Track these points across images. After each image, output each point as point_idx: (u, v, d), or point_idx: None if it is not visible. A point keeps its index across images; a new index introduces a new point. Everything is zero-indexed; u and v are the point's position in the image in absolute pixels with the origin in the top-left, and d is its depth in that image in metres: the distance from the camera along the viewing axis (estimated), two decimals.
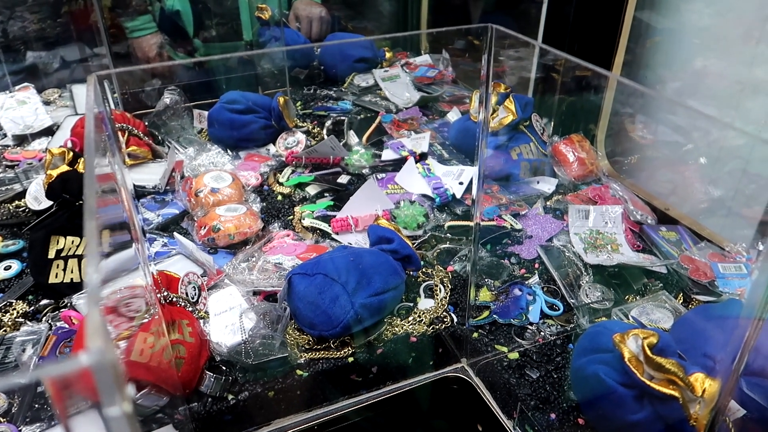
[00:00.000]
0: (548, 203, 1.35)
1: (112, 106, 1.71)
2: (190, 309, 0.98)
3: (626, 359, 0.66)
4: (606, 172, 1.44)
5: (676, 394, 0.63)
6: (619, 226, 1.23)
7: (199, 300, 1.02)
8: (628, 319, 1.02)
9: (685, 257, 1.15)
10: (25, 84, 1.78)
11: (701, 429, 0.62)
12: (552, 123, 1.54)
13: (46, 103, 1.80)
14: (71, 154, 1.15)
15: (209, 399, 0.89)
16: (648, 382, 0.64)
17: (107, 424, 0.27)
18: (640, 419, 0.66)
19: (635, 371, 0.64)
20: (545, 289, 1.11)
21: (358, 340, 0.98)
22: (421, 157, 1.47)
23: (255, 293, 1.04)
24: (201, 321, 0.97)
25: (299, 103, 1.83)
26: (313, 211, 1.31)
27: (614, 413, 0.69)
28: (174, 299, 0.96)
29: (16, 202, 1.32)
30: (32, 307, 1.03)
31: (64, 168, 1.10)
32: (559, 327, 1.03)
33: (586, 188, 1.37)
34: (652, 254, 1.19)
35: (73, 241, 1.08)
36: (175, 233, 1.19)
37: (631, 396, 0.67)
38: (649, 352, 0.64)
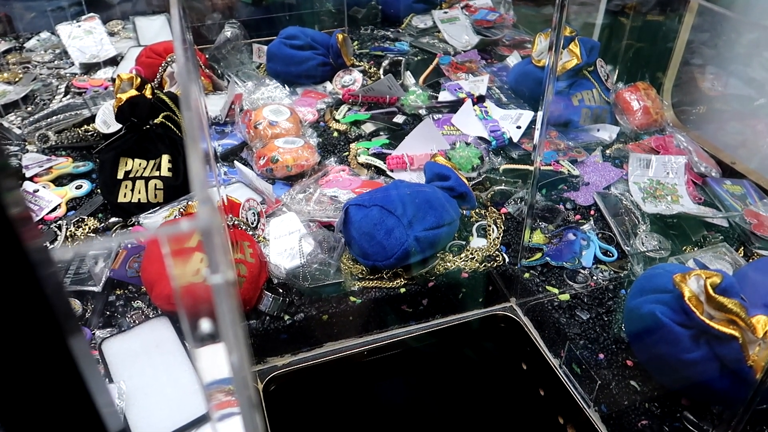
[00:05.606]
0: (608, 151, 1.32)
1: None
2: (250, 233, 1.02)
3: (686, 298, 0.65)
4: (671, 122, 1.39)
5: (736, 334, 0.62)
6: (681, 177, 1.20)
7: (258, 225, 1.06)
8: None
9: (749, 211, 1.12)
10: (91, 14, 1.81)
11: (759, 370, 0.62)
12: (617, 70, 1.49)
13: (110, 34, 1.83)
14: (139, 80, 1.18)
15: (267, 318, 0.93)
16: (708, 321, 0.63)
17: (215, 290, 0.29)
18: (696, 358, 0.66)
19: (695, 310, 0.64)
20: (600, 235, 1.10)
21: (411, 272, 1.00)
22: (478, 100, 1.45)
23: (312, 222, 1.07)
24: (260, 244, 1.00)
25: (356, 42, 1.81)
26: (368, 148, 1.31)
27: (669, 352, 0.69)
28: (236, 223, 0.99)
29: (85, 126, 1.38)
30: (102, 224, 1.09)
31: (133, 93, 1.13)
32: (612, 273, 1.03)
33: (649, 138, 1.33)
34: (713, 207, 1.16)
35: (140, 164, 1.12)
36: (235, 162, 1.22)
37: (688, 335, 0.67)
38: (711, 291, 0.63)
